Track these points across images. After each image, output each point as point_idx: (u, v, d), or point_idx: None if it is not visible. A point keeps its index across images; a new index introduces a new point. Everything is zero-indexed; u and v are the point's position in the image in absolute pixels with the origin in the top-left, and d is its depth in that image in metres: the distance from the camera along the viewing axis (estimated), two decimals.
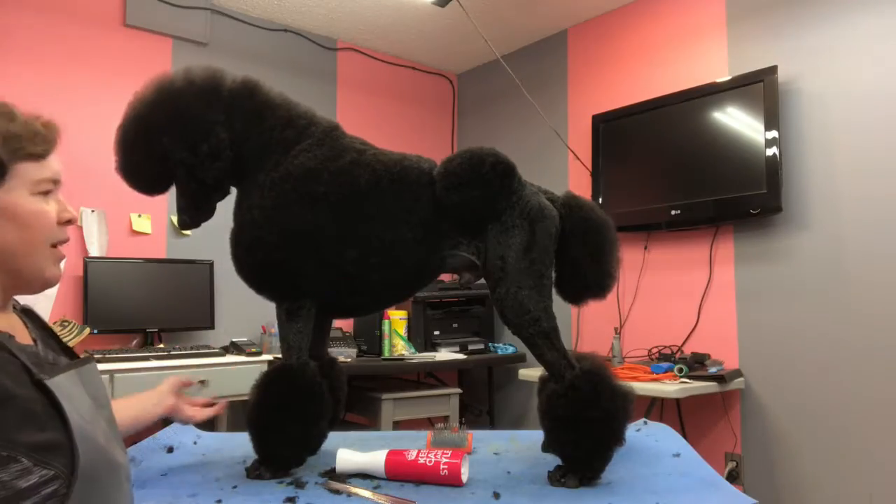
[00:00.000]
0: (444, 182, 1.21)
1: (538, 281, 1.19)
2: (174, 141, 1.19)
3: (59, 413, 0.81)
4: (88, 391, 0.91)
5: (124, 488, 0.89)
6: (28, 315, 0.96)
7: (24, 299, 0.97)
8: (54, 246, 0.89)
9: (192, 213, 1.27)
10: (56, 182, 0.90)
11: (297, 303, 1.25)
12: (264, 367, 2.87)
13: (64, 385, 0.84)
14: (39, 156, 0.88)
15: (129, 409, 1.26)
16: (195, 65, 1.26)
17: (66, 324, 2.60)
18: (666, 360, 2.79)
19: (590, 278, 1.27)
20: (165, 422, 1.40)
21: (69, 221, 0.90)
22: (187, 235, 3.09)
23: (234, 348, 2.98)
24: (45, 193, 0.88)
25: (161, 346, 2.86)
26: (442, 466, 1.16)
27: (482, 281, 1.28)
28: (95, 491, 0.81)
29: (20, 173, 0.85)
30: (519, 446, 1.45)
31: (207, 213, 1.28)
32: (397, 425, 2.91)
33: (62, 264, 0.92)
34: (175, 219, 3.06)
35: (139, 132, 1.20)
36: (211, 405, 1.41)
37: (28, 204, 0.85)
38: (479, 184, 1.18)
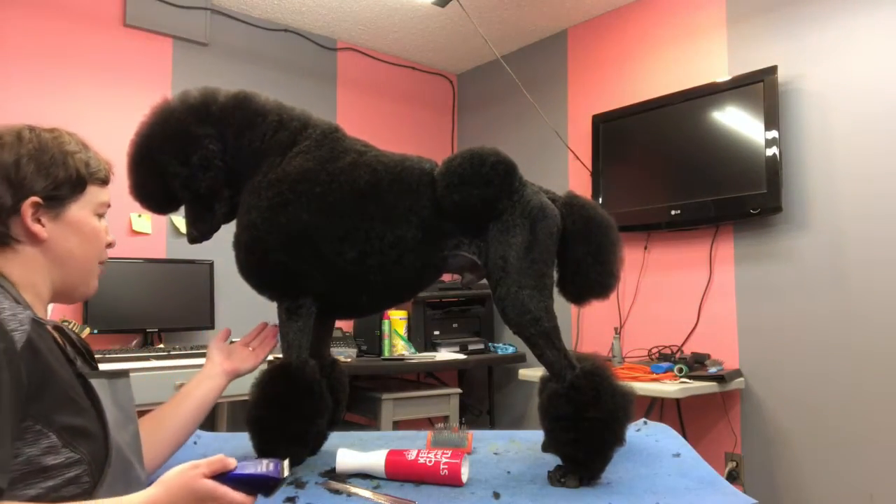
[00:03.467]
0: (445, 181, 1.21)
1: (539, 280, 1.19)
2: (169, 157, 1.24)
3: (95, 407, 0.88)
4: (118, 403, 0.96)
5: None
6: (57, 330, 1.00)
7: None
8: (100, 263, 1.04)
9: (199, 226, 1.31)
10: (108, 207, 1.04)
11: (297, 302, 1.26)
12: (264, 367, 2.87)
13: (97, 387, 0.91)
14: (104, 182, 1.03)
15: (187, 399, 1.26)
16: (193, 87, 1.32)
17: (66, 324, 2.60)
18: (666, 360, 2.79)
19: (592, 278, 1.27)
20: None
21: (110, 244, 1.05)
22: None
23: None
24: (100, 216, 1.02)
25: (161, 346, 2.86)
26: (442, 466, 1.16)
27: (483, 281, 1.28)
28: (111, 495, 0.84)
29: (90, 194, 1.00)
30: (519, 446, 1.45)
31: (212, 225, 1.32)
32: (397, 425, 2.91)
33: None
34: (175, 220, 3.06)
35: (142, 154, 1.27)
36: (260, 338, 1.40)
37: (91, 221, 1.00)
38: (480, 183, 1.19)
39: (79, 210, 0.97)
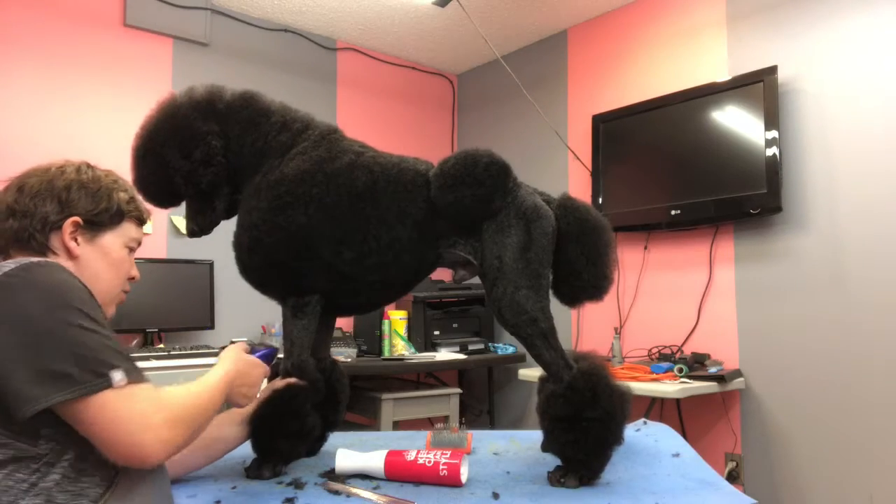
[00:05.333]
0: (439, 182, 1.22)
1: (535, 281, 1.19)
2: (172, 151, 1.25)
3: None
4: None
5: (164, 483, 1.02)
6: None
7: None
8: (121, 292, 1.12)
9: (198, 220, 1.32)
10: (139, 244, 1.14)
11: (303, 299, 1.26)
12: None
13: None
14: (140, 221, 1.14)
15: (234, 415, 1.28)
16: (199, 84, 1.34)
17: None
18: (666, 360, 2.79)
19: (586, 280, 1.27)
20: None
21: (133, 278, 1.14)
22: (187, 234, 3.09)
23: None
24: (131, 250, 1.12)
25: (161, 346, 2.86)
26: (441, 467, 1.16)
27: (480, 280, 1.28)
28: (141, 488, 0.94)
29: (126, 228, 1.10)
30: (519, 446, 1.45)
31: (212, 220, 1.33)
32: (397, 425, 2.91)
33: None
34: (175, 220, 3.06)
35: (147, 148, 1.28)
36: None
37: (121, 251, 1.10)
38: (473, 184, 1.19)
39: (112, 239, 1.08)
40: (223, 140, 1.28)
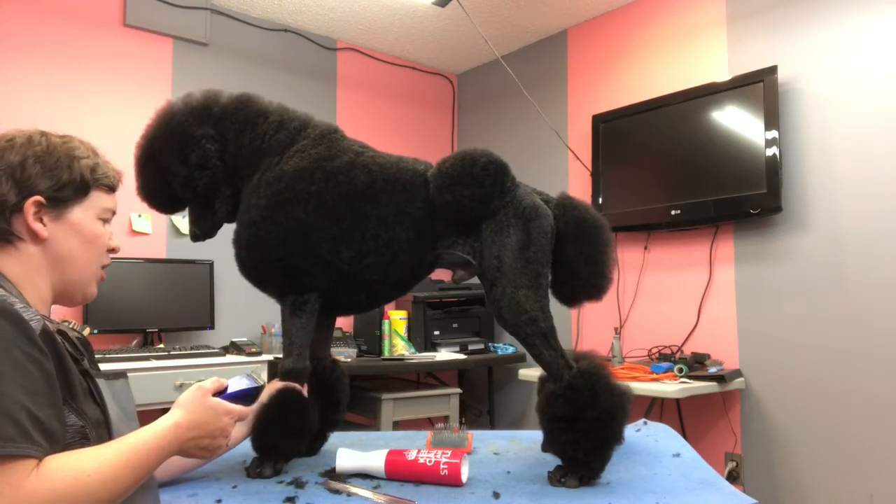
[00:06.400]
0: (437, 182, 1.22)
1: (535, 280, 1.19)
2: (169, 157, 1.27)
3: (98, 403, 0.93)
4: (118, 402, 0.99)
5: (150, 490, 0.98)
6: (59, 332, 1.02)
7: None
8: (102, 267, 1.05)
9: (200, 225, 1.33)
10: (114, 214, 1.06)
11: (301, 297, 1.26)
12: (264, 367, 2.88)
13: (100, 386, 0.95)
14: (111, 189, 1.05)
15: None
16: (197, 89, 1.34)
17: (66, 324, 2.60)
18: (666, 360, 2.79)
19: (585, 279, 1.27)
20: None
21: (113, 249, 1.06)
22: (187, 235, 3.09)
23: (234, 348, 2.98)
24: (105, 221, 1.04)
25: (161, 346, 2.86)
26: (442, 466, 1.16)
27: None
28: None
29: (94, 198, 1.01)
30: (519, 446, 1.45)
31: (214, 224, 1.34)
32: (397, 425, 2.91)
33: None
34: (174, 220, 3.06)
35: (146, 156, 1.30)
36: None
37: (93, 225, 1.01)
38: (472, 183, 1.20)
39: (81, 213, 0.99)
40: (219, 143, 1.28)
